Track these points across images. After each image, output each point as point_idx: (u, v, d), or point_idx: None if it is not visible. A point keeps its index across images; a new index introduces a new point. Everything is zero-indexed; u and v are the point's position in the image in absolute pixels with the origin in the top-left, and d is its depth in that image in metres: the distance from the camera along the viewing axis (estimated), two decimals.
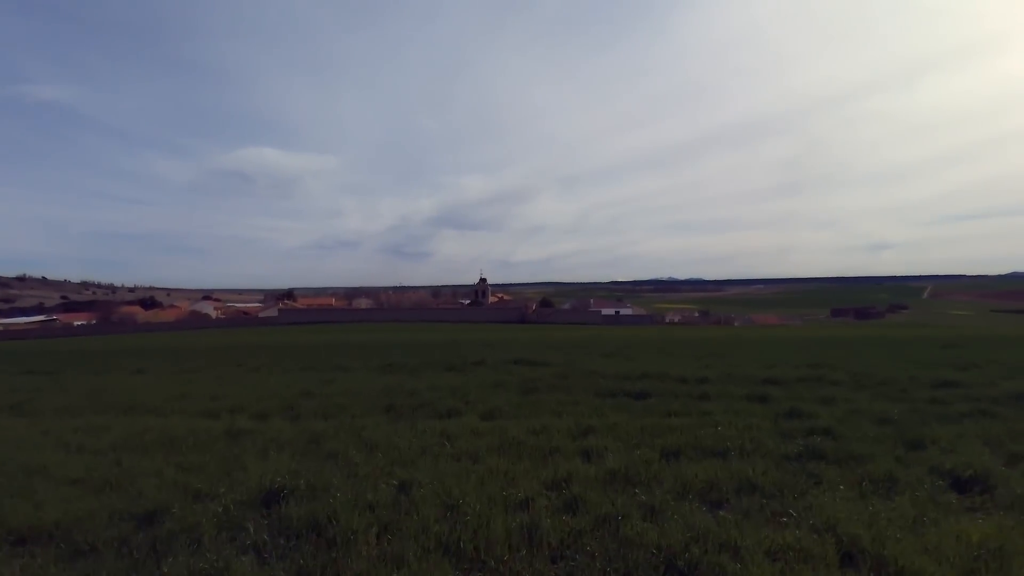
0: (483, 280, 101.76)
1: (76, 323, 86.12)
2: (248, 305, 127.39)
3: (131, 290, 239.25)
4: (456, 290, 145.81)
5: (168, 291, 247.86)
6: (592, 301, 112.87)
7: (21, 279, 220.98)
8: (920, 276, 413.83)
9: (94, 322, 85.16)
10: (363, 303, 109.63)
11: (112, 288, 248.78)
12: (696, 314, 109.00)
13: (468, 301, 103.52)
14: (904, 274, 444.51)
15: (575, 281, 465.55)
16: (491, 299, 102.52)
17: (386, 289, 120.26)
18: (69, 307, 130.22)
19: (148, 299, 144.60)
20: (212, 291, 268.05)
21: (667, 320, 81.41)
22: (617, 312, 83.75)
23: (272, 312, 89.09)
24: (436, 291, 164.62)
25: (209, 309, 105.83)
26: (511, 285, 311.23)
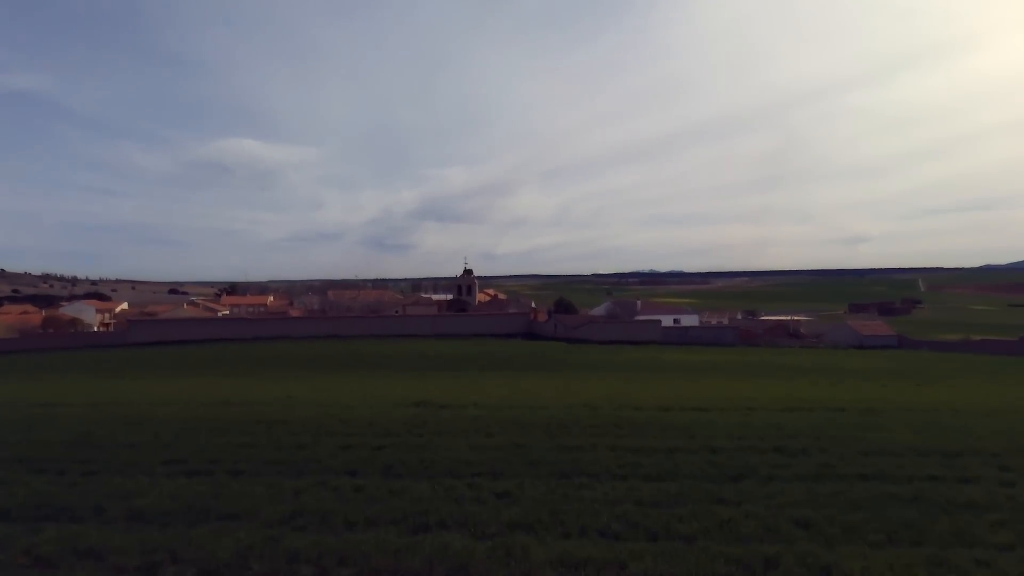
0: (468, 272, 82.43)
1: None
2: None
3: (94, 283, 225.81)
4: (437, 283, 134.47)
5: (134, 284, 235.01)
6: (639, 304, 77.76)
7: None
8: (901, 268, 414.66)
9: None
10: (311, 301, 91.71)
11: (73, 280, 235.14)
12: (739, 316, 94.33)
13: (449, 298, 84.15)
14: (883, 267, 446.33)
15: (559, 274, 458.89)
16: (480, 296, 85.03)
17: (365, 282, 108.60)
18: None
19: (69, 295, 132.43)
20: (182, 284, 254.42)
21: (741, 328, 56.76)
22: (677, 321, 57.50)
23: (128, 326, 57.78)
24: (417, 283, 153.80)
25: (89, 313, 74.63)
26: (495, 278, 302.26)
